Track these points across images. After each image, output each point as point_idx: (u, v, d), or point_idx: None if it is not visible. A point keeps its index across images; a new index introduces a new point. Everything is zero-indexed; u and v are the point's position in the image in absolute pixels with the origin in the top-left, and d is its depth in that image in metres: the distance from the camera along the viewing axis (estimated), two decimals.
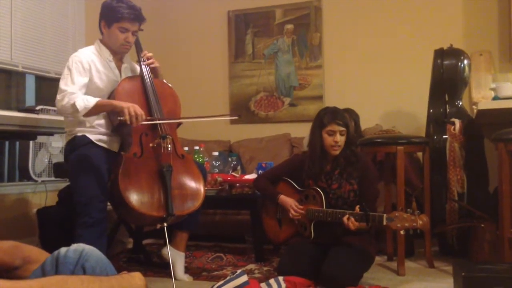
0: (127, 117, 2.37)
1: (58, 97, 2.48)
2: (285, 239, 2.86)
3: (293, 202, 2.74)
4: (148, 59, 2.72)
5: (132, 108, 2.39)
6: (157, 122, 2.57)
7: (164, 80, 2.89)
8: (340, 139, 2.64)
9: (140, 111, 2.42)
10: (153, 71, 2.77)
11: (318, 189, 2.66)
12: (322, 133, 2.67)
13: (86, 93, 2.55)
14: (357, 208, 2.46)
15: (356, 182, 2.65)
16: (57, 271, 1.23)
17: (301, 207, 2.70)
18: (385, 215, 2.36)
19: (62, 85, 2.50)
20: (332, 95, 4.42)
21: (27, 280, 1.17)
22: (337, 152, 2.66)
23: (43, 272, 1.24)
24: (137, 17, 2.63)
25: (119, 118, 2.44)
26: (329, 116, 2.67)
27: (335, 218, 2.51)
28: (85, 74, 2.56)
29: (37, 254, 1.38)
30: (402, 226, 2.31)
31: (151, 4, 4.56)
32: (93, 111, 2.45)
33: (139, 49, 2.77)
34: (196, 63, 4.89)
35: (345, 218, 2.44)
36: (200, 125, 4.40)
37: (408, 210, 2.35)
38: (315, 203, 2.66)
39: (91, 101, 2.43)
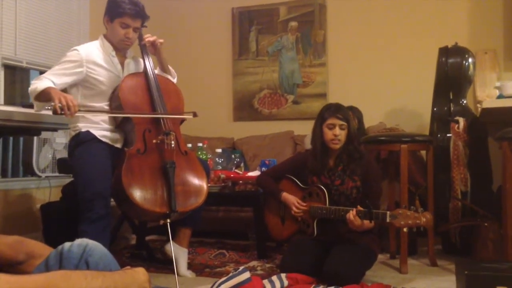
0: (57, 107, 2.30)
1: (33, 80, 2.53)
2: (288, 236, 2.86)
3: (296, 199, 2.74)
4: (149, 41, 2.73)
5: (63, 99, 2.32)
6: (87, 114, 2.57)
7: (169, 66, 2.89)
8: (340, 133, 2.64)
9: (72, 103, 2.33)
10: (156, 51, 2.76)
11: (322, 187, 2.65)
12: (323, 127, 2.68)
13: (86, 86, 2.60)
14: (359, 207, 2.45)
15: (360, 179, 2.65)
16: (61, 266, 1.24)
17: (304, 204, 2.71)
18: (388, 212, 2.36)
19: (47, 72, 2.55)
20: (336, 93, 4.41)
21: (31, 274, 1.18)
22: (337, 147, 2.66)
23: (47, 266, 1.24)
24: (139, 13, 2.63)
25: (46, 107, 2.43)
26: (329, 111, 2.68)
27: (338, 215, 2.51)
28: (78, 67, 2.57)
29: (41, 249, 1.38)
30: (406, 224, 2.31)
31: (155, 0, 4.56)
32: (42, 95, 2.42)
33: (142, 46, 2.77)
34: (200, 60, 4.89)
35: (348, 215, 2.44)
36: (203, 122, 4.38)
37: (412, 207, 2.34)
38: (319, 200, 2.65)
39: (42, 86, 2.42)
